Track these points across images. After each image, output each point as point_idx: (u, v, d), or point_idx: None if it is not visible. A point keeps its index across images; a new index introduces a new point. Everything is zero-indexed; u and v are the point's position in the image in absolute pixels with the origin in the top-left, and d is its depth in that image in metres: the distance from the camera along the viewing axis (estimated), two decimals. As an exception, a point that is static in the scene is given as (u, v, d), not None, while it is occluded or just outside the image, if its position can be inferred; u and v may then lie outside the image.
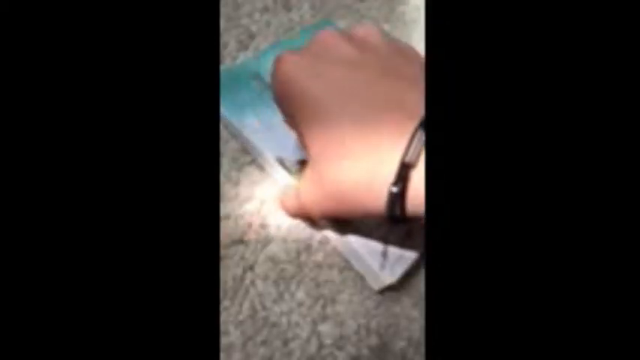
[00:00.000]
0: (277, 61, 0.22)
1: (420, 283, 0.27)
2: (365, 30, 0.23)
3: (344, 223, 0.26)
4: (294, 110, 0.22)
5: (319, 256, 0.27)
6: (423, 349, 0.25)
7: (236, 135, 0.29)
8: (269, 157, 0.28)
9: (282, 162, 0.27)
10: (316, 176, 0.22)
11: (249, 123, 0.29)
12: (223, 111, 0.29)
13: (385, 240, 0.26)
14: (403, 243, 0.26)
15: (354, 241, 0.26)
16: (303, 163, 0.27)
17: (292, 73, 0.21)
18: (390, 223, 0.20)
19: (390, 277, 0.25)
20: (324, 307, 0.26)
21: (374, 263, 0.25)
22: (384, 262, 0.25)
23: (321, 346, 0.25)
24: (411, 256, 0.26)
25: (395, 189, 0.19)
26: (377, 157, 0.19)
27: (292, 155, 0.28)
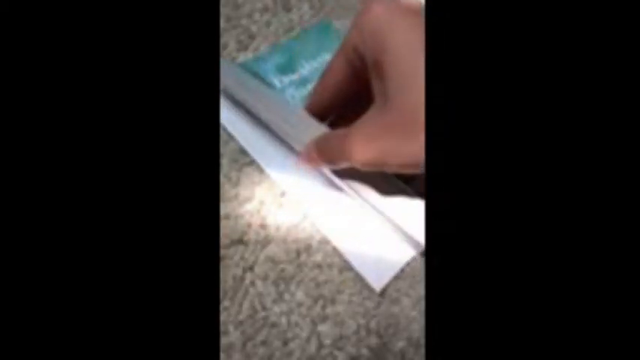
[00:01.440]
0: (371, 1, 0.22)
1: (420, 283, 0.27)
2: None
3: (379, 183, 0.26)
4: (381, 44, 0.21)
5: (319, 257, 0.27)
6: (423, 349, 0.25)
7: (246, 102, 0.28)
8: (292, 111, 0.27)
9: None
10: (387, 106, 0.21)
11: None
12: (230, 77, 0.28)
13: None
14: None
15: (382, 204, 0.25)
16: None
17: (391, 16, 0.21)
18: None
19: (411, 249, 0.26)
20: (323, 307, 0.26)
21: (403, 226, 0.25)
22: (408, 232, 0.25)
23: (320, 346, 0.25)
24: None
25: None
26: None
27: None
